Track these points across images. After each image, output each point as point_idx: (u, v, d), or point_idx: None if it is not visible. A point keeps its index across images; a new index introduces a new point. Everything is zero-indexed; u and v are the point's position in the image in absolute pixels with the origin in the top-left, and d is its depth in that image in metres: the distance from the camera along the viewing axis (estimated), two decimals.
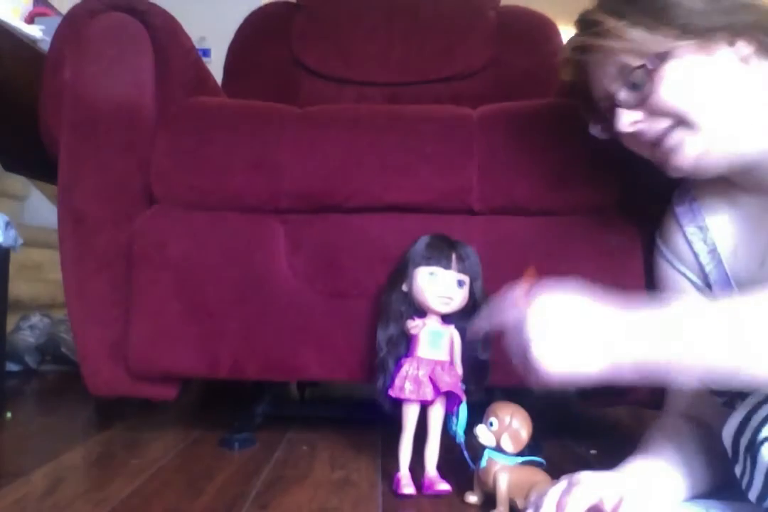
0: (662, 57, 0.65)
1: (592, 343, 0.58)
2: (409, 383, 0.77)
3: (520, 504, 0.67)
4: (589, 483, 0.60)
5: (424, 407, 0.79)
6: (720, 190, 0.75)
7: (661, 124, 0.68)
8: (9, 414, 1.13)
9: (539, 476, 0.69)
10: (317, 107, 0.99)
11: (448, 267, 0.79)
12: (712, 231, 0.75)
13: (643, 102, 0.67)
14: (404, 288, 0.81)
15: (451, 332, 0.80)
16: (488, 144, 0.90)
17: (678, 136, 0.67)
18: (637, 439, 0.75)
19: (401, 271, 0.82)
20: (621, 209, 0.92)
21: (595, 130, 0.75)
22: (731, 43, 0.65)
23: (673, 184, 0.81)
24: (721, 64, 0.65)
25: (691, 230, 0.76)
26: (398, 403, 0.79)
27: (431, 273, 0.79)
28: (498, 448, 0.70)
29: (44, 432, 1.05)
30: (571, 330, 0.59)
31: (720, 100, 0.65)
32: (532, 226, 0.91)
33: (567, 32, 1.56)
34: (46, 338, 1.67)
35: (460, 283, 0.80)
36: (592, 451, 0.95)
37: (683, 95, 0.66)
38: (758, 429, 0.57)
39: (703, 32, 0.64)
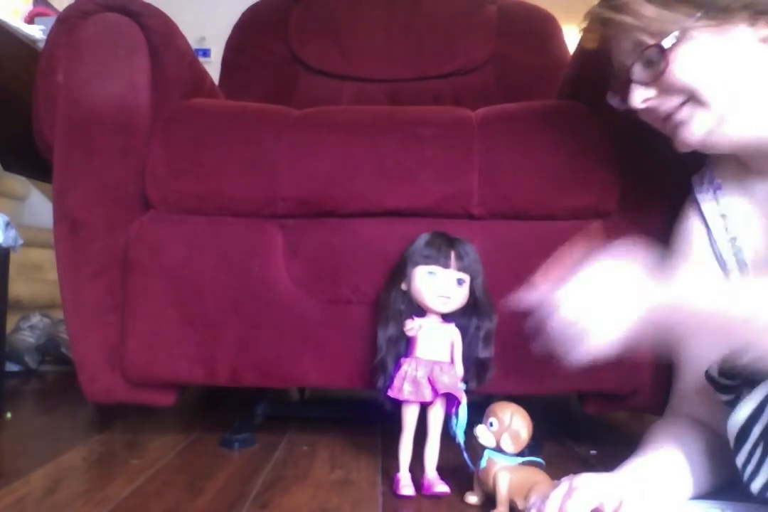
0: (677, 36, 0.64)
1: (627, 302, 0.63)
2: (408, 384, 0.76)
3: (520, 504, 0.67)
4: (590, 486, 0.60)
5: (424, 407, 0.79)
6: (738, 177, 0.74)
7: (673, 101, 0.68)
8: (9, 414, 1.13)
9: (539, 476, 0.69)
10: (315, 109, 0.98)
11: (447, 266, 0.79)
12: (734, 219, 0.75)
13: (656, 79, 0.67)
14: (403, 287, 0.81)
15: (451, 331, 0.80)
16: (488, 148, 0.89)
17: (688, 112, 0.67)
18: (637, 440, 0.75)
19: (400, 270, 0.82)
20: (622, 213, 0.91)
21: (614, 101, 0.74)
22: (752, 24, 0.64)
23: (674, 188, 0.81)
24: (738, 45, 0.64)
25: (713, 218, 0.76)
26: (398, 403, 0.79)
27: (430, 273, 0.79)
28: (498, 449, 0.70)
29: (44, 432, 1.05)
30: (609, 295, 0.64)
31: (734, 80, 0.65)
32: (533, 230, 0.90)
33: (567, 27, 1.57)
34: (46, 338, 1.67)
35: (460, 282, 0.80)
36: (592, 451, 0.95)
37: (696, 75, 0.65)
38: None
39: (720, 12, 0.64)
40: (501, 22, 1.54)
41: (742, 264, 0.74)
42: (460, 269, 0.80)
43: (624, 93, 0.71)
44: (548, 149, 0.89)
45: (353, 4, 1.58)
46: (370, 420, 1.07)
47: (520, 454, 0.71)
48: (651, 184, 0.87)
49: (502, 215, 0.91)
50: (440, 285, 0.79)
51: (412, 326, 0.79)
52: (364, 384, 0.89)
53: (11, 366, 1.58)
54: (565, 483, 0.62)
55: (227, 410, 1.14)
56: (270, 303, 0.90)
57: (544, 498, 0.61)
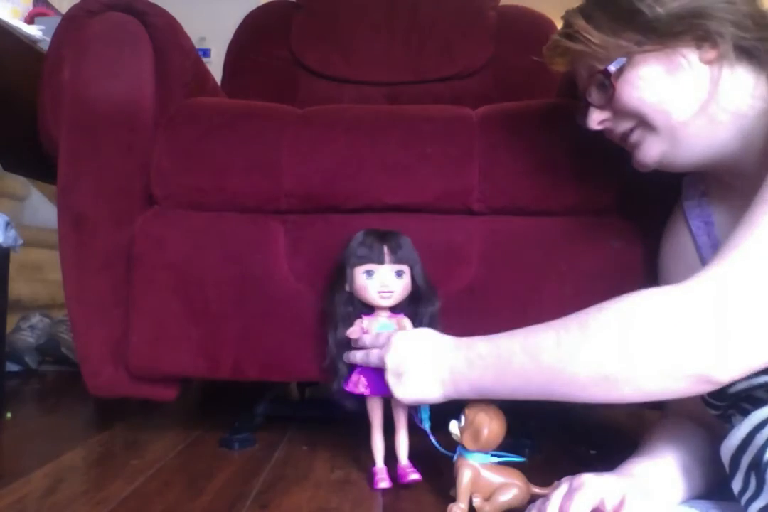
0: (622, 62, 0.67)
1: (431, 377, 0.68)
2: (364, 378, 0.78)
3: (475, 502, 0.67)
4: (591, 486, 0.60)
5: (389, 400, 0.80)
6: (721, 190, 0.75)
7: (626, 124, 0.71)
8: (9, 414, 1.13)
9: (511, 478, 0.69)
10: (317, 107, 0.99)
11: (381, 261, 0.81)
12: (718, 227, 0.75)
13: (608, 103, 0.70)
14: (347, 288, 0.83)
15: (401, 322, 0.81)
16: (489, 144, 0.90)
17: (639, 135, 0.71)
18: (636, 439, 0.75)
19: (341, 273, 0.83)
20: (621, 210, 0.91)
21: (582, 121, 0.76)
22: (698, 46, 0.65)
23: (673, 186, 0.81)
24: (683, 69, 0.66)
25: (697, 224, 0.77)
26: (360, 399, 0.80)
27: (368, 271, 0.81)
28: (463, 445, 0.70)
29: (44, 432, 1.05)
30: (414, 366, 0.69)
31: (680, 103, 0.67)
32: (532, 226, 0.91)
33: None
34: (46, 338, 1.67)
35: (399, 274, 0.81)
36: (592, 451, 0.95)
37: (643, 99, 0.68)
38: (764, 449, 0.56)
39: (665, 37, 0.66)
40: (500, 26, 1.55)
41: None
42: (396, 261, 0.81)
43: (585, 114, 0.74)
44: (547, 146, 0.90)
45: (354, 9, 1.60)
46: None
47: (499, 454, 0.70)
48: (649, 182, 0.87)
49: (501, 211, 0.91)
50: (380, 281, 0.80)
51: (354, 329, 0.80)
52: None
53: (11, 366, 1.58)
54: (565, 484, 0.62)
55: (227, 410, 1.14)
56: (272, 298, 0.91)
57: (545, 499, 0.61)
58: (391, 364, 0.70)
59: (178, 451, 0.92)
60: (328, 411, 1.20)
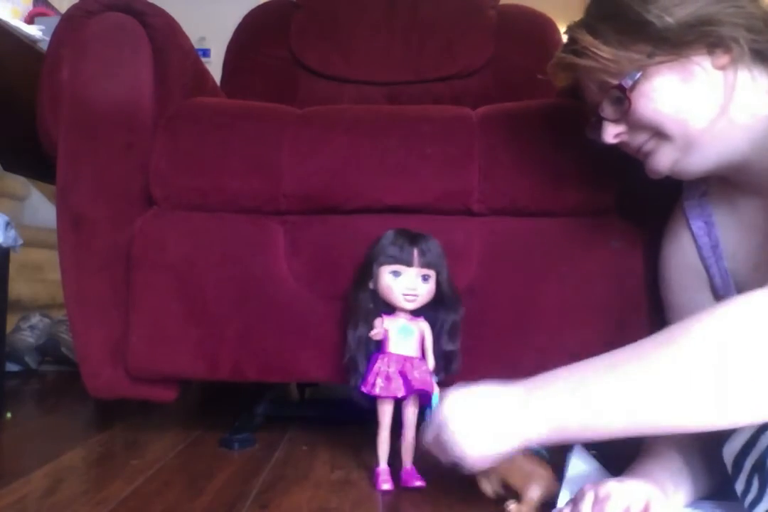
0: (636, 75, 0.66)
1: (501, 429, 0.61)
2: (381, 379, 0.78)
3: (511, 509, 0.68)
4: (618, 495, 0.59)
5: (399, 402, 0.80)
6: (723, 189, 0.75)
7: (642, 135, 0.71)
8: (9, 414, 1.13)
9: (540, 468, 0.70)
10: (317, 108, 0.99)
11: (410, 264, 0.80)
12: (718, 227, 0.75)
13: (623, 116, 0.69)
14: (371, 285, 0.82)
15: (420, 325, 0.81)
16: (489, 145, 0.90)
17: (654, 144, 0.70)
18: (636, 440, 0.74)
19: (366, 270, 0.83)
20: (621, 210, 0.91)
21: (593, 135, 0.76)
22: (710, 53, 0.65)
23: (673, 186, 0.81)
24: (697, 76, 0.66)
25: (698, 224, 0.77)
26: (373, 399, 0.80)
27: (394, 272, 0.80)
28: None
29: (44, 432, 1.05)
30: (481, 420, 0.62)
31: (698, 111, 0.66)
32: (532, 227, 0.91)
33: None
34: (46, 338, 1.67)
35: (425, 278, 0.81)
36: (592, 451, 0.95)
37: (659, 110, 0.67)
38: (767, 452, 0.56)
39: (676, 47, 0.65)
40: (500, 25, 1.55)
41: (723, 272, 0.74)
42: (424, 265, 0.81)
43: (598, 128, 0.73)
44: (548, 146, 0.90)
45: (354, 9, 1.59)
46: (370, 420, 1.07)
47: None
48: (649, 182, 0.87)
49: (501, 211, 0.91)
50: (405, 284, 0.80)
51: (378, 331, 0.79)
52: None
53: (11, 366, 1.58)
54: (590, 492, 0.61)
55: (227, 410, 1.14)
56: (271, 299, 0.91)
57: (575, 510, 0.61)
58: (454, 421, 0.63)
59: (178, 451, 0.92)
60: (328, 411, 1.21)
